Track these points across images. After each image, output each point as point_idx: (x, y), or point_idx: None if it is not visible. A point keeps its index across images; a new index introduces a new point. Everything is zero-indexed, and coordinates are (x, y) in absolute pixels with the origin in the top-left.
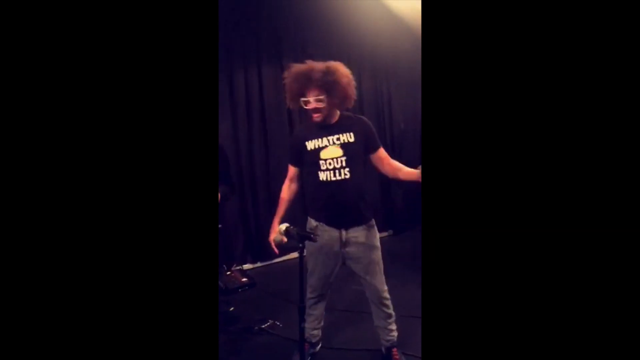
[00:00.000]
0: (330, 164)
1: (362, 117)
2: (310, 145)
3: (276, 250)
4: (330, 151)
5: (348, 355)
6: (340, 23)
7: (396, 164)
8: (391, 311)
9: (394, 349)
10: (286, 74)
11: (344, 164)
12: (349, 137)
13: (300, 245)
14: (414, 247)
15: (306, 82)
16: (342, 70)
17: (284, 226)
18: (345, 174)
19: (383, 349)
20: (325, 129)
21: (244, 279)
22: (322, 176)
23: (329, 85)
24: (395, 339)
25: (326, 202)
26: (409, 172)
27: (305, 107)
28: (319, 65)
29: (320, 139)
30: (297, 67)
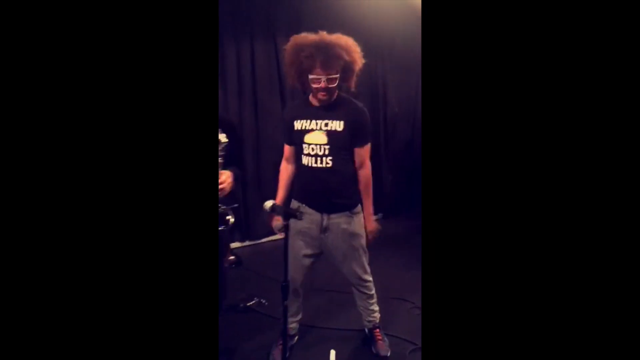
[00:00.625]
0: (313, 149)
1: (359, 105)
2: (298, 125)
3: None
4: (315, 136)
5: (333, 335)
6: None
7: (365, 169)
8: (372, 292)
9: (377, 330)
10: (289, 45)
11: (326, 152)
12: (337, 126)
13: (285, 222)
14: (402, 231)
15: (315, 56)
16: (357, 48)
17: (269, 202)
18: (327, 163)
19: (366, 330)
20: (316, 111)
21: (231, 257)
22: (305, 160)
23: (345, 64)
24: (378, 320)
25: (307, 187)
26: (365, 189)
27: (312, 85)
28: (332, 38)
29: (308, 121)
30: (302, 38)
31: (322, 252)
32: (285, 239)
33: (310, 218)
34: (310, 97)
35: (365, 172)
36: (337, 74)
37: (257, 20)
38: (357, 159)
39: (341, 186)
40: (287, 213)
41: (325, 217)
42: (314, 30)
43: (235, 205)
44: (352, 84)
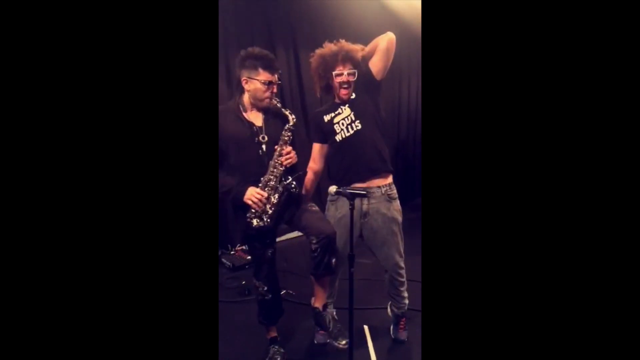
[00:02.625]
0: (342, 124)
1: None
2: (327, 117)
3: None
4: (342, 115)
5: (356, 314)
6: (337, 21)
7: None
8: (404, 279)
9: (403, 319)
10: (315, 54)
11: (353, 118)
12: (351, 96)
13: (351, 202)
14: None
15: (337, 54)
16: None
17: (333, 188)
18: (357, 126)
19: (392, 316)
20: (340, 104)
21: (248, 257)
22: (338, 137)
23: (356, 58)
24: (406, 308)
25: (342, 161)
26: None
27: (335, 80)
28: (343, 45)
29: (334, 111)
30: (322, 50)
31: (361, 236)
32: (351, 218)
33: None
34: (335, 99)
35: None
36: (355, 68)
37: (258, 36)
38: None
39: (372, 148)
40: (353, 193)
41: (365, 202)
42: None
43: (300, 173)
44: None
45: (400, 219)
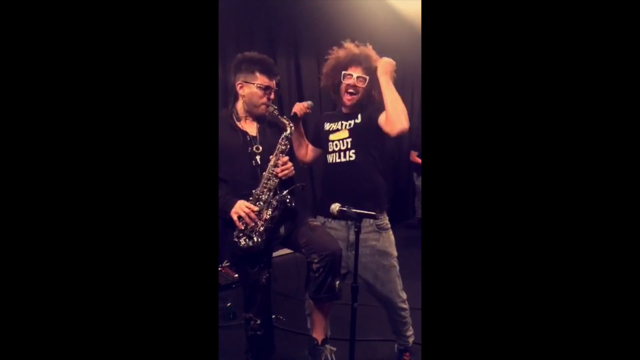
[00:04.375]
0: (336, 145)
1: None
2: (327, 126)
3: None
4: (339, 134)
5: (358, 346)
6: (341, 22)
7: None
8: (407, 319)
9: (406, 354)
10: (331, 52)
11: (349, 145)
12: (356, 119)
13: (358, 224)
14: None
15: (352, 55)
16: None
17: (336, 206)
18: (350, 156)
19: (396, 349)
20: (344, 115)
21: (236, 275)
22: (330, 159)
23: (372, 67)
24: (410, 344)
25: (332, 188)
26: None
27: (344, 82)
28: (363, 49)
29: (335, 123)
30: (340, 49)
31: (348, 272)
32: (357, 241)
33: (336, 234)
34: (343, 108)
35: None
36: (367, 76)
37: (258, 41)
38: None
39: (364, 182)
40: (361, 214)
41: (352, 231)
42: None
43: (298, 185)
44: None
45: (394, 252)
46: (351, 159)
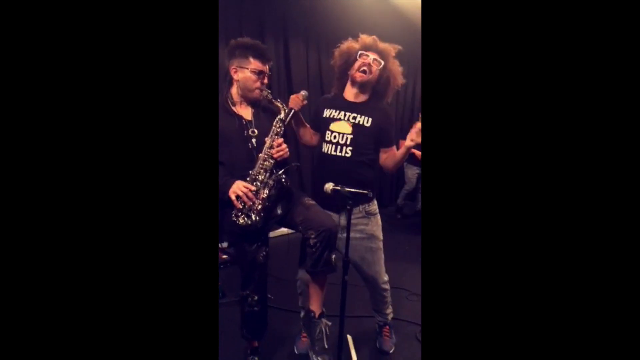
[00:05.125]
0: (335, 137)
1: (388, 109)
2: (327, 113)
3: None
4: (340, 125)
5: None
6: (343, 17)
7: (393, 155)
8: (388, 298)
9: (386, 327)
10: (346, 42)
11: (348, 142)
12: (365, 121)
13: (351, 202)
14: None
15: (367, 47)
16: (399, 68)
17: (330, 185)
18: (346, 152)
19: (376, 326)
20: (348, 104)
21: (224, 257)
22: (325, 148)
23: (387, 76)
24: (389, 319)
25: (323, 178)
26: (404, 151)
27: (359, 60)
28: (385, 45)
29: (337, 111)
30: (365, 38)
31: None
32: (348, 220)
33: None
34: (345, 93)
35: (390, 163)
36: (382, 61)
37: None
38: (382, 156)
39: (359, 177)
40: (355, 194)
41: (342, 216)
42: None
43: (292, 164)
44: (388, 97)
45: (381, 237)
46: (347, 155)
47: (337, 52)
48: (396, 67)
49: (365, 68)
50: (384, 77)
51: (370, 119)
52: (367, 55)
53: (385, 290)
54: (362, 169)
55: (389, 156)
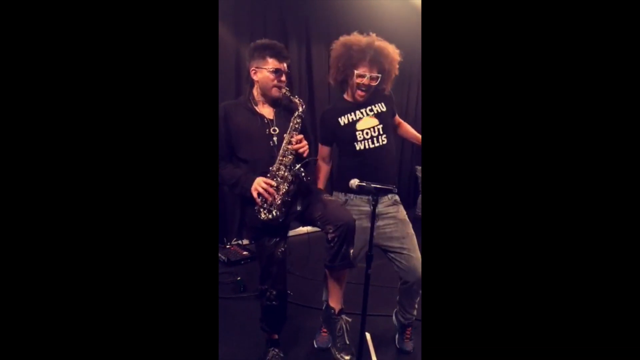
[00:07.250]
0: (367, 133)
1: (385, 92)
2: (343, 120)
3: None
4: (366, 122)
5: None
6: (355, 13)
7: (408, 127)
8: (419, 297)
9: (409, 329)
10: (340, 41)
11: (380, 131)
12: (381, 107)
13: (376, 197)
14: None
15: (366, 52)
16: (398, 57)
17: (355, 181)
18: (382, 141)
19: (397, 325)
20: (354, 104)
21: (245, 253)
22: (359, 146)
23: (387, 69)
24: (414, 319)
25: (360, 171)
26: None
27: (356, 80)
28: (382, 43)
29: (353, 113)
30: (355, 37)
31: (375, 243)
32: (372, 215)
33: (359, 209)
34: (345, 96)
35: (404, 126)
36: (379, 74)
37: (269, 22)
38: (397, 119)
39: (391, 165)
40: (379, 189)
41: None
42: (325, 34)
43: (309, 159)
44: (388, 88)
45: (409, 221)
46: (383, 143)
47: (331, 71)
48: (394, 64)
49: (364, 88)
50: (383, 76)
51: (383, 104)
52: (363, 76)
53: (420, 287)
54: (395, 154)
55: (403, 123)
